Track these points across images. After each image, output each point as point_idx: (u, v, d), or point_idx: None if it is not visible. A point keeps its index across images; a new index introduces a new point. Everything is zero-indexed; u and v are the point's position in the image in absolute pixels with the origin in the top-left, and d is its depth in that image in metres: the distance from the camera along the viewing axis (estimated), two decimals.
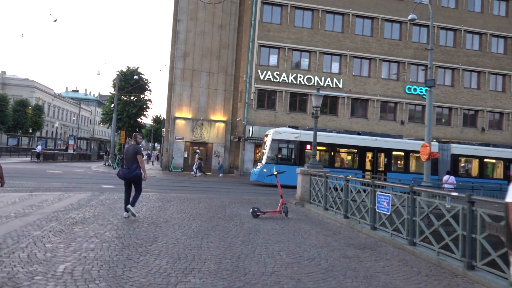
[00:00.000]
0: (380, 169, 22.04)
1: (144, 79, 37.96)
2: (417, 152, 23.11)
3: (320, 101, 13.06)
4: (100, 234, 6.61)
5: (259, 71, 28.01)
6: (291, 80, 28.44)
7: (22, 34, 23.51)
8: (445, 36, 31.12)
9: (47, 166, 27.77)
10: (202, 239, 6.79)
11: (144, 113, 38.77)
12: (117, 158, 30.60)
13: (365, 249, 6.99)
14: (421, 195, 7.20)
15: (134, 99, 37.91)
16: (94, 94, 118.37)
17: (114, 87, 36.23)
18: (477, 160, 23.53)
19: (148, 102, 38.65)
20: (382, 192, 8.10)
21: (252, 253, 6.10)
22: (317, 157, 22.06)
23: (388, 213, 7.83)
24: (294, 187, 20.13)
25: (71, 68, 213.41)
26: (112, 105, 33.87)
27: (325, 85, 28.52)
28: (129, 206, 8.24)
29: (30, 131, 55.83)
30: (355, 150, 22.13)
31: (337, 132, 22.48)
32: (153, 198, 11.68)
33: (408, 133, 29.34)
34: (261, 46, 28.35)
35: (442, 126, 30.85)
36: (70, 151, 42.33)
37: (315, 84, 28.62)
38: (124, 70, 37.55)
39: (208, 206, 10.87)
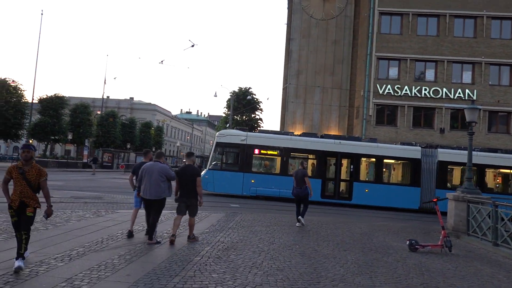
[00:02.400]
0: (344, 178, 18.68)
1: (255, 99, 38.97)
2: (394, 158, 18.99)
3: (475, 115, 11.16)
4: (258, 263, 6.10)
5: (377, 85, 26.27)
6: (415, 93, 26.02)
7: (162, 61, 25.55)
8: None
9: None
10: (371, 278, 5.81)
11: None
12: None
13: None
14: None
15: (246, 119, 39.07)
16: (204, 115, 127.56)
17: (228, 107, 37.90)
18: (475, 168, 17.96)
19: (259, 121, 39.47)
20: None
21: None
22: (268, 163, 19.25)
23: None
24: (234, 196, 17.78)
25: (186, 91, 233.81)
26: (227, 125, 35.25)
27: (455, 97, 25.43)
28: (299, 217, 10.29)
29: (153, 150, 61.83)
30: (313, 156, 18.80)
31: (292, 135, 19.65)
32: (285, 221, 11.09)
33: None
34: (379, 58, 26.65)
35: None
36: None
37: (443, 96, 25.73)
38: (237, 90, 39.13)
39: (349, 233, 9.84)
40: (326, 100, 30.16)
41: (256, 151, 18.54)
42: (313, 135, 20.21)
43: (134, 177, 7.63)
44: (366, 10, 28.00)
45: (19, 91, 33.74)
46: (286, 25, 33.95)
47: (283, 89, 31.34)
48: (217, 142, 18.98)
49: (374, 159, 18.82)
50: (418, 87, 26.02)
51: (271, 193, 18.15)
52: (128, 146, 51.79)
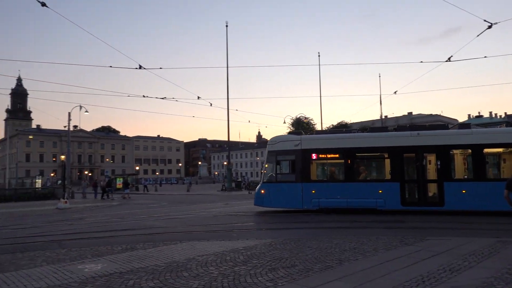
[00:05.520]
0: (431, 178, 14.86)
1: None
2: (498, 145, 14.72)
3: None
4: None
5: None
6: None
7: (450, 58, 22.34)
8: None
9: None
10: None
11: None
12: None
13: None
14: None
15: None
16: (500, 116, 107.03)
17: None
18: None
19: None
20: None
21: None
22: (330, 169, 16.66)
23: None
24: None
25: (475, 90, 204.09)
26: None
27: None
28: None
29: None
30: (385, 154, 15.40)
31: (356, 132, 17.20)
32: None
33: None
34: None
35: None
36: None
37: None
38: None
39: None
40: None
41: (314, 156, 16.34)
42: (383, 129, 17.47)
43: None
44: None
45: (311, 125, 38.94)
46: None
47: None
48: (268, 151, 17.08)
49: (470, 150, 15.10)
50: None
51: (336, 204, 15.65)
52: None
